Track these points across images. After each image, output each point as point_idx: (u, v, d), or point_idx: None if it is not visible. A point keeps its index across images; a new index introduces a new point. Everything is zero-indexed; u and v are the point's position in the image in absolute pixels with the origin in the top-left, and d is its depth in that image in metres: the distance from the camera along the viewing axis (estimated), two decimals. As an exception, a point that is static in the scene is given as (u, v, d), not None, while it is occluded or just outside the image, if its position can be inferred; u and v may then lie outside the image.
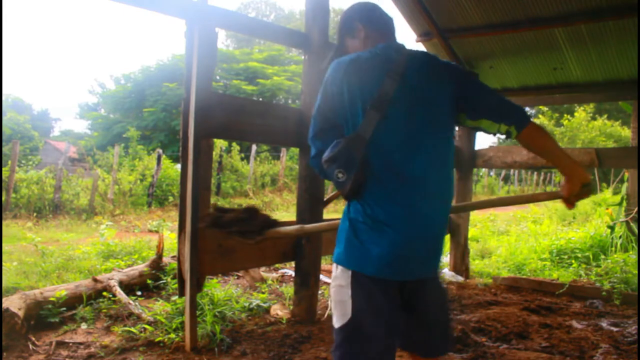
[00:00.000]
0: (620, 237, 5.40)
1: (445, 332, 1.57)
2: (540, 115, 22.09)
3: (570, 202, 1.55)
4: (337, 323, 1.40)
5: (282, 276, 4.61)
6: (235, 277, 4.39)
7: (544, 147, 1.51)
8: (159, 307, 3.17)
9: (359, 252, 1.37)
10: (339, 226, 1.49)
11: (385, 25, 1.58)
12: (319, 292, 3.64)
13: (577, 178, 1.49)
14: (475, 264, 5.37)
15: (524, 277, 4.69)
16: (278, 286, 4.17)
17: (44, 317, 2.99)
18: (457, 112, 1.50)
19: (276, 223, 1.62)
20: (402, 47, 1.51)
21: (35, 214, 9.25)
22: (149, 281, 3.79)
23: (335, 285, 1.42)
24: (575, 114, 20.01)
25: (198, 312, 2.86)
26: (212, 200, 2.85)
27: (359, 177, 1.36)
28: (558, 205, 12.76)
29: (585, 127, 19.71)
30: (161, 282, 3.81)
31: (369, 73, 1.41)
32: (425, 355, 1.56)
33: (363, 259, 1.37)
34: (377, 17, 1.58)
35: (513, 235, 7.18)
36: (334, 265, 1.44)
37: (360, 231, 1.38)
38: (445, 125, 1.48)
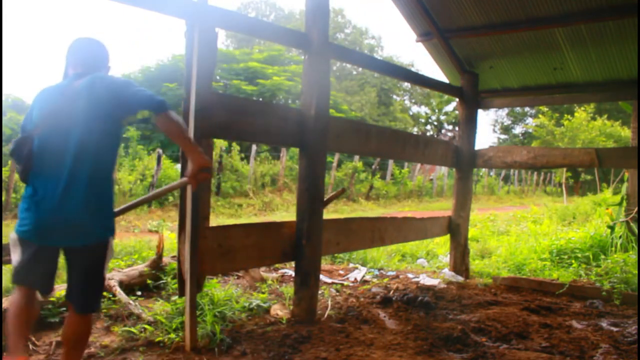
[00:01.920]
0: (620, 237, 5.40)
1: (84, 293, 1.98)
2: (540, 115, 22.12)
3: (193, 183, 2.00)
4: (13, 264, 1.96)
5: (282, 276, 4.61)
6: (235, 277, 4.38)
7: (171, 132, 1.93)
8: (159, 307, 3.17)
9: (22, 222, 1.91)
10: None
11: (81, 59, 2.04)
12: (319, 292, 3.64)
13: (197, 162, 1.93)
14: (475, 264, 5.37)
15: (524, 277, 4.69)
16: (278, 286, 4.17)
17: (44, 317, 2.98)
18: (123, 115, 1.96)
19: None
20: (81, 75, 1.97)
21: (35, 214, 9.25)
22: (149, 281, 3.79)
23: (11, 239, 1.97)
24: (575, 114, 20.02)
25: (198, 312, 2.86)
26: (212, 200, 2.85)
27: (26, 167, 1.92)
28: (558, 205, 12.78)
29: (585, 127, 19.72)
30: (161, 282, 3.81)
31: (48, 95, 1.97)
32: (74, 309, 2.00)
33: (23, 227, 1.90)
34: (77, 53, 2.05)
35: (513, 235, 7.18)
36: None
37: (23, 207, 1.92)
38: (102, 134, 1.91)
